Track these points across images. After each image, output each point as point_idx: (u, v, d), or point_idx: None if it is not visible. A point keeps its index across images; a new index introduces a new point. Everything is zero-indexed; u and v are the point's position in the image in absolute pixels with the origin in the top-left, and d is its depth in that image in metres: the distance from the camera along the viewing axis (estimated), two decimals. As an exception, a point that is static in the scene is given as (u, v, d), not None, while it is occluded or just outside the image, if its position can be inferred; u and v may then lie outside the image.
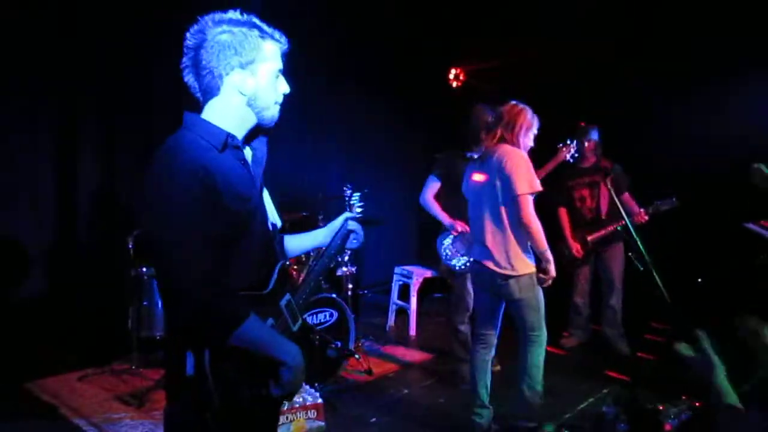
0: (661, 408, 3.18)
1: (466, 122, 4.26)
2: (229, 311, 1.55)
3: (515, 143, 3.32)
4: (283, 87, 1.77)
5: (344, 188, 2.55)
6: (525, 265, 3.28)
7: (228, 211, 1.58)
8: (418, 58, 6.91)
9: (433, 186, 4.42)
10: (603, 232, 4.75)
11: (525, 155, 3.29)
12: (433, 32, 6.85)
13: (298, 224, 5.27)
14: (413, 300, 5.80)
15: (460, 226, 4.21)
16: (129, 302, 4.40)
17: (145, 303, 4.46)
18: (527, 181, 3.18)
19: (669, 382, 3.94)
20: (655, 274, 3.00)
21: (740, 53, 4.92)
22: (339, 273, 4.96)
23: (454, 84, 7.32)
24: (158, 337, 4.47)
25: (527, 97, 4.06)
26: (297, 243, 2.12)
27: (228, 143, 1.66)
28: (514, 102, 3.42)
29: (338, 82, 6.47)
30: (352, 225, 2.14)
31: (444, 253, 4.34)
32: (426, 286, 6.00)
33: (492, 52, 6.68)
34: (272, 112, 1.76)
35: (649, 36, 5.47)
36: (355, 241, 2.15)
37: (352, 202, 2.29)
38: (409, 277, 5.87)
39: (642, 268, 3.00)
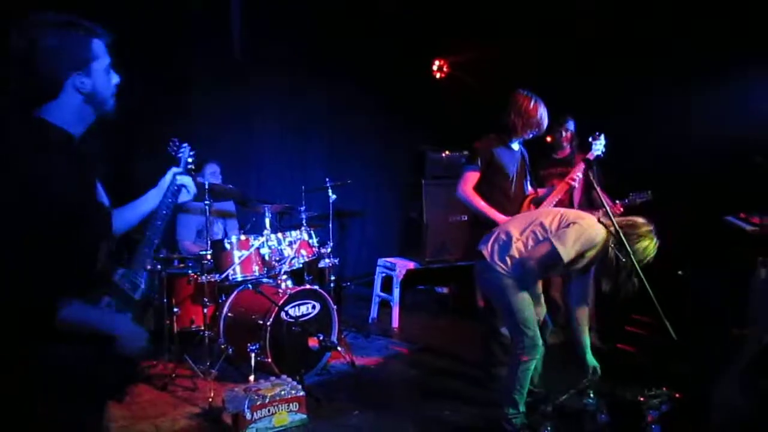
0: (642, 399, 3.20)
1: (506, 110, 4.03)
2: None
3: None
4: (115, 79, 1.81)
5: (171, 141, 2.58)
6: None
7: (50, 205, 1.59)
8: (402, 49, 6.87)
9: (472, 177, 4.03)
10: None
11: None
12: (418, 23, 6.81)
13: (280, 215, 5.25)
14: (396, 292, 5.79)
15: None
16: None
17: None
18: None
19: (649, 374, 4.00)
20: (636, 265, 3.01)
21: (712, 52, 4.95)
22: (322, 265, 4.93)
23: (438, 76, 7.30)
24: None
25: (512, 90, 4.06)
26: (130, 213, 2.10)
27: (69, 140, 1.72)
28: None
29: (321, 74, 6.42)
30: (182, 179, 2.18)
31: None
32: (409, 279, 5.99)
33: (477, 43, 6.66)
34: (110, 104, 1.81)
35: (630, 31, 5.48)
36: (187, 195, 2.20)
37: (179, 155, 2.39)
38: (393, 269, 5.85)
39: (623, 260, 3.00)
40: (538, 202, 4.12)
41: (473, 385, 4.18)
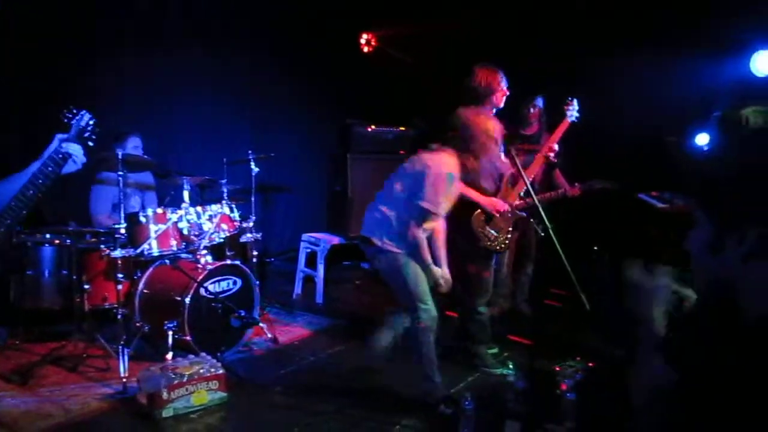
0: (557, 369, 3.31)
1: (467, 86, 3.96)
2: None
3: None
4: None
5: (67, 111, 2.24)
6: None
7: None
8: (329, 22, 6.74)
9: None
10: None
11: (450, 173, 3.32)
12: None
13: (201, 188, 5.07)
14: (320, 268, 5.73)
15: (501, 206, 3.89)
16: (11, 272, 4.08)
17: (29, 272, 4.15)
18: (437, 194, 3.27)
19: (566, 345, 4.14)
20: (555, 240, 3.09)
21: (630, 36, 5.11)
22: (244, 240, 4.81)
23: (366, 50, 7.21)
24: (45, 309, 4.19)
25: (441, 65, 4.03)
26: (9, 187, 1.90)
27: None
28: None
29: (246, 45, 6.22)
30: (69, 147, 1.98)
31: (484, 234, 3.94)
32: (334, 254, 5.94)
33: (405, 18, 6.62)
34: None
35: (566, 9, 5.57)
36: (73, 165, 2.01)
37: (72, 122, 2.18)
38: (317, 245, 5.79)
39: (543, 234, 3.07)
40: (514, 182, 4.11)
41: (396, 360, 4.21)
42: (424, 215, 3.32)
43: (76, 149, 1.98)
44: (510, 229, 4.02)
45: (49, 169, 1.88)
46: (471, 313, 4.09)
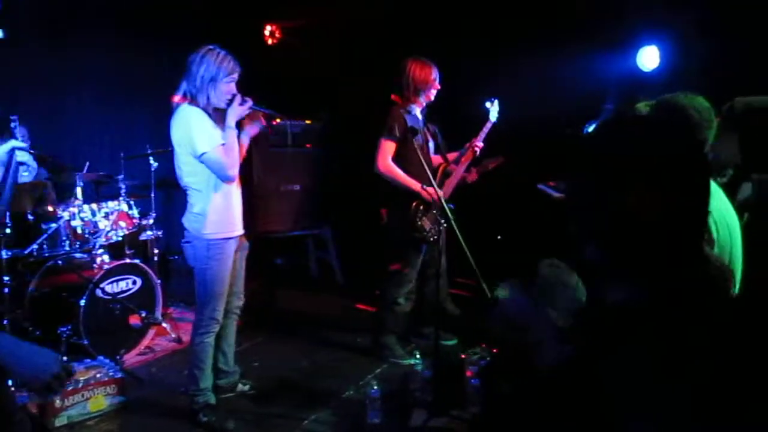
0: (463, 356, 3.40)
1: (400, 76, 3.95)
2: None
3: (195, 100, 3.19)
4: None
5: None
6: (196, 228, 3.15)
7: None
8: (232, 12, 6.56)
9: (390, 147, 3.88)
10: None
11: (197, 111, 3.12)
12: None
13: (97, 184, 4.83)
14: (227, 264, 5.59)
15: (434, 193, 3.80)
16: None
17: None
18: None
19: (470, 333, 4.26)
20: (457, 231, 3.16)
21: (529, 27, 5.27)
22: (143, 237, 4.61)
23: (270, 41, 7.08)
24: None
25: (347, 57, 4.00)
26: None
27: None
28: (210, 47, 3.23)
29: (143, 35, 5.94)
30: (22, 156, 1.90)
31: (420, 224, 3.93)
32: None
33: (310, 8, 6.54)
34: None
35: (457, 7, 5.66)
36: (26, 173, 1.95)
37: (12, 126, 2.05)
38: (223, 241, 5.64)
39: (445, 225, 3.13)
40: (448, 174, 4.15)
41: (305, 353, 4.20)
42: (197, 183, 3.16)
43: (28, 158, 1.91)
44: (442, 221, 4.08)
45: (11, 180, 1.84)
46: (389, 303, 4.11)
